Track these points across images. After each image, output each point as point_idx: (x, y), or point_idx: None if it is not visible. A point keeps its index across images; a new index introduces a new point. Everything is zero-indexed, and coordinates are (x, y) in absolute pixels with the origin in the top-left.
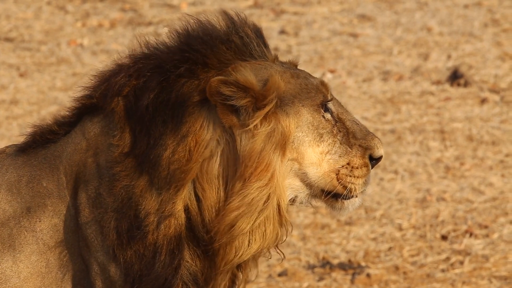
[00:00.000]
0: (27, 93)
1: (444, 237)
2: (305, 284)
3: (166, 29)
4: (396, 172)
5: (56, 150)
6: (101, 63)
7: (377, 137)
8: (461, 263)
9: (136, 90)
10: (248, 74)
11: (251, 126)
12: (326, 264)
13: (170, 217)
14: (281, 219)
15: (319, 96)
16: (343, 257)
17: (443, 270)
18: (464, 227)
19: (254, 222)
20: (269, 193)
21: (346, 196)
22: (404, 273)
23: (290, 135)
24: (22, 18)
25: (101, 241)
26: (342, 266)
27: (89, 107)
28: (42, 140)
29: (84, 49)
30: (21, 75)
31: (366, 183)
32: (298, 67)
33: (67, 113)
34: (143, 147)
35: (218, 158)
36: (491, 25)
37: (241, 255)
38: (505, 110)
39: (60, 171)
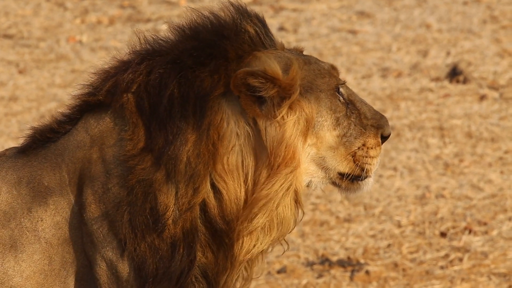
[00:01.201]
0: (26, 90)
1: (443, 234)
2: (304, 281)
3: (165, 26)
4: (395, 169)
5: (56, 148)
6: (100, 59)
7: (383, 115)
8: (460, 260)
9: (148, 87)
10: (274, 64)
11: (279, 117)
12: (325, 261)
13: (189, 210)
14: (298, 204)
15: (333, 80)
16: (342, 254)
17: (442, 267)
18: (463, 224)
19: (277, 208)
20: (292, 180)
21: (362, 177)
22: (403, 270)
23: (312, 121)
24: (21, 14)
25: (109, 237)
26: (341, 263)
27: (91, 104)
28: (42, 139)
29: (83, 45)
30: (20, 72)
31: (378, 163)
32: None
33: (67, 110)
34: (160, 142)
35: (239, 150)
36: (490, 21)
37: (261, 244)
38: (504, 107)
39: (62, 169)
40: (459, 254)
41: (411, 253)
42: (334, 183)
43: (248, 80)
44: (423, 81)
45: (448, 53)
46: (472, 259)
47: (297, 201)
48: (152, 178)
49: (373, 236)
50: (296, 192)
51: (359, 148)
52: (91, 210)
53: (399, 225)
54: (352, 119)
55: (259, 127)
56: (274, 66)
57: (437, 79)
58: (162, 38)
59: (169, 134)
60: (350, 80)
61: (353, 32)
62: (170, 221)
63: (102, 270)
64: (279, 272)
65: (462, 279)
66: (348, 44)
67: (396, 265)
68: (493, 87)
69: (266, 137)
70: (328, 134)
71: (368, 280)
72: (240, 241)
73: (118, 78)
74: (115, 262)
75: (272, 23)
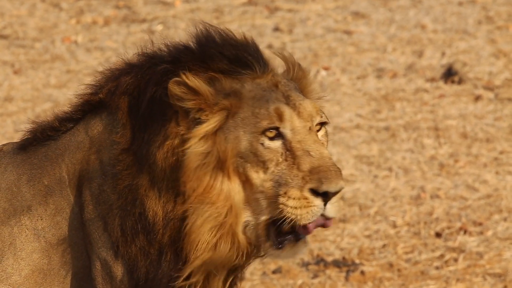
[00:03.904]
0: (21, 90)
1: (438, 234)
2: (300, 281)
3: (160, 26)
4: (390, 169)
5: (57, 147)
6: (95, 60)
7: (333, 170)
8: (455, 260)
9: (140, 88)
10: (198, 80)
11: (188, 143)
12: (320, 261)
13: (176, 218)
14: (234, 238)
15: (264, 123)
16: (337, 255)
17: (437, 267)
18: (458, 224)
19: (198, 241)
20: (221, 212)
21: (292, 235)
22: (398, 270)
23: (228, 159)
24: (16, 15)
25: (104, 238)
26: (337, 264)
27: (93, 104)
28: (43, 137)
29: (78, 46)
30: (15, 72)
31: (312, 215)
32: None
33: (69, 109)
34: (139, 143)
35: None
36: (485, 22)
37: (194, 259)
38: (499, 108)
39: (62, 169)
40: (454, 255)
41: (406, 253)
42: (260, 237)
43: (173, 89)
44: (418, 82)
45: (443, 54)
46: (467, 260)
47: (234, 235)
48: (138, 183)
49: (368, 236)
50: (231, 226)
51: (280, 195)
52: (89, 211)
53: (394, 226)
54: (282, 166)
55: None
56: (196, 81)
57: (432, 80)
58: (170, 42)
59: (146, 134)
60: (345, 80)
61: (348, 33)
62: (158, 227)
63: (97, 270)
64: (274, 272)
65: (457, 280)
66: (343, 45)
67: (391, 265)
68: (488, 87)
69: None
70: (255, 176)
71: (363, 280)
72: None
73: (121, 80)
74: (110, 263)
75: (267, 24)
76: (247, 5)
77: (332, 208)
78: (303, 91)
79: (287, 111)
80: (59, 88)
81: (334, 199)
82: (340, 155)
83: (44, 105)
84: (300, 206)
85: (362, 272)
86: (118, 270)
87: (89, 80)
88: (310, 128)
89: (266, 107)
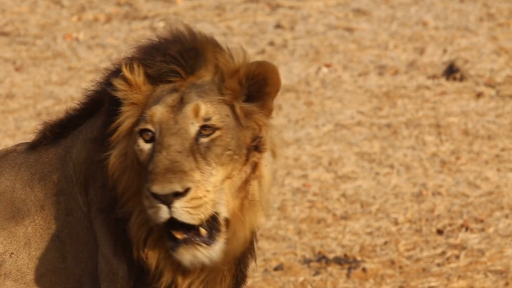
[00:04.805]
0: (23, 87)
1: (440, 232)
2: (301, 279)
3: (162, 23)
4: (392, 166)
5: (66, 146)
6: (96, 57)
7: (160, 174)
8: (457, 257)
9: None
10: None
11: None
12: (322, 258)
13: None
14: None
15: (140, 125)
16: (339, 252)
17: (438, 265)
18: (460, 222)
19: None
20: (142, 210)
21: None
22: (400, 267)
23: (134, 160)
24: (18, 12)
25: (107, 236)
26: (338, 261)
27: (99, 101)
28: (52, 135)
29: (80, 43)
30: (17, 69)
31: (158, 216)
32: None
33: (77, 106)
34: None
35: None
36: (487, 19)
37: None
38: (501, 105)
39: (69, 168)
40: (456, 252)
41: (407, 250)
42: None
43: (115, 81)
44: (420, 79)
45: (444, 51)
46: (468, 257)
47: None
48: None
49: (369, 233)
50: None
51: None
52: (94, 210)
53: (395, 223)
54: (142, 165)
55: None
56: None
57: (433, 77)
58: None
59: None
60: (347, 77)
61: (350, 30)
62: (141, 234)
63: (101, 267)
64: (275, 269)
65: (459, 277)
66: (344, 42)
67: (392, 262)
68: (490, 84)
69: None
70: (139, 178)
71: (364, 278)
72: None
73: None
74: (112, 260)
75: (269, 21)
76: (249, 2)
77: (177, 212)
78: (259, 91)
79: (158, 114)
80: (61, 85)
81: (177, 203)
82: (342, 152)
83: (45, 102)
84: (148, 206)
85: (364, 269)
86: (120, 267)
87: (93, 77)
88: (180, 130)
89: (148, 110)
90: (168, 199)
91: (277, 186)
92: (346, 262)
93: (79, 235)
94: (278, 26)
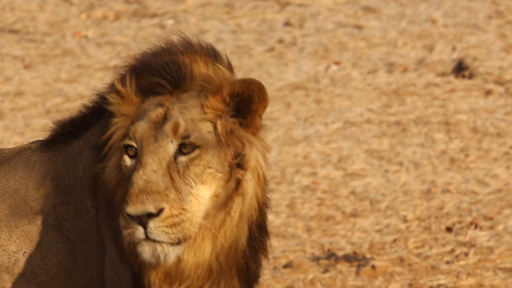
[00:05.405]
0: (32, 85)
1: (449, 229)
2: (310, 276)
3: (171, 21)
4: (401, 164)
5: (78, 146)
6: (105, 54)
7: (133, 194)
8: (466, 255)
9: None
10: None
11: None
12: (331, 256)
13: None
14: None
15: (124, 140)
16: (348, 249)
17: (448, 262)
18: (469, 219)
19: None
20: None
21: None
22: (409, 265)
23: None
24: (27, 9)
25: (114, 239)
26: (347, 258)
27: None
28: (64, 133)
29: (89, 41)
30: (26, 67)
31: (133, 236)
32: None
33: (90, 105)
34: None
35: None
36: (496, 17)
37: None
38: (510, 102)
39: (80, 169)
40: (465, 249)
41: (417, 248)
42: None
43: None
44: (429, 76)
45: (453, 48)
46: (478, 254)
47: None
48: None
49: (379, 231)
50: None
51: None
52: (101, 215)
53: (405, 220)
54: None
55: None
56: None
57: (442, 74)
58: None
59: None
60: (356, 75)
61: (359, 27)
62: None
63: (107, 269)
64: (285, 266)
65: (468, 274)
66: (354, 39)
67: (402, 260)
68: (499, 82)
69: None
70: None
71: (374, 275)
72: None
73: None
74: (118, 264)
75: (278, 18)
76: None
77: (153, 233)
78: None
79: (139, 130)
80: (70, 83)
81: (151, 223)
82: (351, 149)
83: (54, 100)
84: (124, 226)
85: (373, 267)
86: (125, 271)
87: (102, 74)
88: (158, 148)
89: (132, 125)
90: (142, 220)
91: (286, 183)
92: (355, 259)
93: (88, 238)
94: (287, 23)
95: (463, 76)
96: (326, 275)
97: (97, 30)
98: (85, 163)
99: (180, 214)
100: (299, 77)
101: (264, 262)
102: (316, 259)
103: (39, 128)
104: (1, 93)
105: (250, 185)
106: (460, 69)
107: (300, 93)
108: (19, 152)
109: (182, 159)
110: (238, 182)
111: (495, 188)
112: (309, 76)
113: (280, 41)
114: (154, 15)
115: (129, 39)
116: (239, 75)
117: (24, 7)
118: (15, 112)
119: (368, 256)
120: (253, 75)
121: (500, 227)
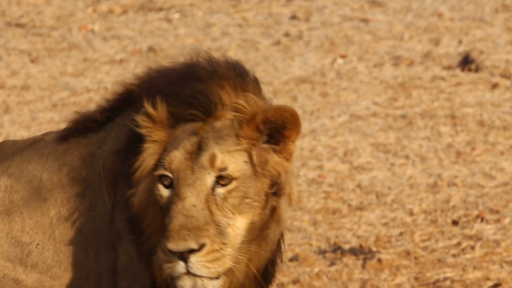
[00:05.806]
0: (38, 79)
1: (455, 222)
2: (316, 269)
3: (177, 15)
4: (407, 157)
5: (97, 140)
6: (112, 48)
7: (174, 231)
8: (472, 248)
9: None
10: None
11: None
12: (337, 249)
13: None
14: None
15: (159, 170)
16: (354, 242)
17: (454, 255)
18: (475, 212)
19: None
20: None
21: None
22: (415, 258)
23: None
24: (33, 3)
25: (131, 235)
26: (353, 251)
27: (134, 95)
28: (84, 129)
29: (95, 34)
30: (32, 61)
31: (173, 271)
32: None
33: (112, 97)
34: None
35: None
36: (502, 10)
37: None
38: None
39: (99, 163)
40: (471, 242)
41: (423, 241)
42: None
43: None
44: (435, 70)
45: (460, 42)
46: (484, 247)
47: None
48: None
49: (385, 224)
50: None
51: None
52: (118, 209)
53: (411, 213)
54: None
55: None
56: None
57: (449, 68)
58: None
59: None
60: (362, 68)
61: (365, 21)
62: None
63: (122, 263)
64: (291, 260)
65: (474, 267)
66: (360, 33)
67: (408, 253)
68: (505, 75)
69: None
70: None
71: (380, 268)
72: None
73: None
74: (135, 260)
75: (284, 12)
76: None
77: (194, 268)
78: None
79: (175, 161)
80: (76, 77)
81: (193, 258)
82: (357, 143)
83: (61, 94)
84: (164, 260)
85: (379, 260)
86: (143, 270)
87: (108, 68)
88: (196, 181)
89: (167, 155)
90: (184, 255)
91: None
92: (362, 252)
93: (99, 232)
94: (293, 17)
95: (469, 70)
96: (332, 268)
97: (104, 24)
98: (105, 158)
99: (221, 249)
100: (305, 71)
101: (279, 263)
102: (322, 252)
103: (45, 122)
104: (7, 87)
105: (284, 210)
106: (466, 62)
107: (306, 87)
108: (32, 144)
109: (220, 191)
110: (274, 209)
111: (501, 181)
112: (315, 70)
113: (286, 34)
114: (160, 9)
115: (135, 33)
116: None
117: (30, 1)
118: (21, 105)
119: (374, 249)
120: (259, 69)
121: (506, 220)
